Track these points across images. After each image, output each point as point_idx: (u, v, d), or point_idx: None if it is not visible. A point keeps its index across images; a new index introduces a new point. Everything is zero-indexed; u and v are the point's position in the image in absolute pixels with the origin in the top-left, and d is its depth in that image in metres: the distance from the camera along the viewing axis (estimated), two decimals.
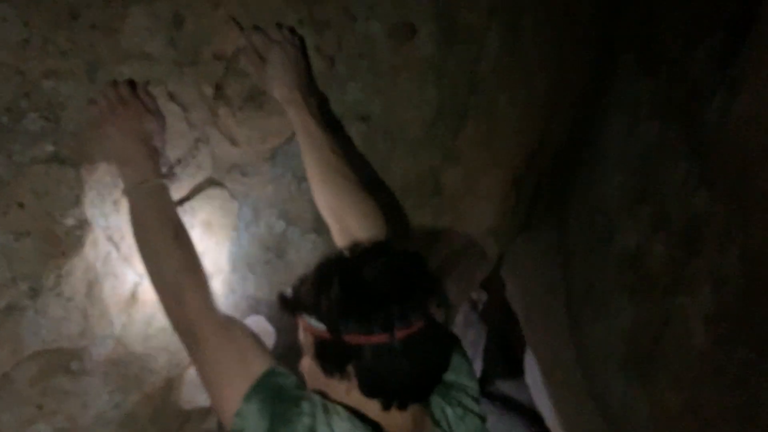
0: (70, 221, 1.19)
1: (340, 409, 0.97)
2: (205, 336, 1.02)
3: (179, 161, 1.27)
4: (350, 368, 0.97)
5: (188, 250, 1.11)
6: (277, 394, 0.96)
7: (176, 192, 1.28)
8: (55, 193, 1.17)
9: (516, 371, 4.04)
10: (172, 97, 1.25)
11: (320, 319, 0.97)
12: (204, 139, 1.29)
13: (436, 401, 1.10)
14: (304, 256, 1.49)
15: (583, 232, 2.26)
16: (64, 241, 1.18)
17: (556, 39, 1.80)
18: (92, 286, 1.20)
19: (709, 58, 1.56)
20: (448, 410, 1.10)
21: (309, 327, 1.00)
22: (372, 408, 0.99)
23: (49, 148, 1.17)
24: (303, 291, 1.02)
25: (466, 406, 1.13)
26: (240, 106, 1.29)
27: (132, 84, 1.21)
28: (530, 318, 2.93)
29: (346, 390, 0.98)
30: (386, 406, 0.99)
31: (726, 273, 1.48)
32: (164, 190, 1.17)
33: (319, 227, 1.46)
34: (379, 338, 0.94)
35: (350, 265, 1.01)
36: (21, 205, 1.15)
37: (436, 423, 1.07)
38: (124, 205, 1.20)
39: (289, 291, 1.05)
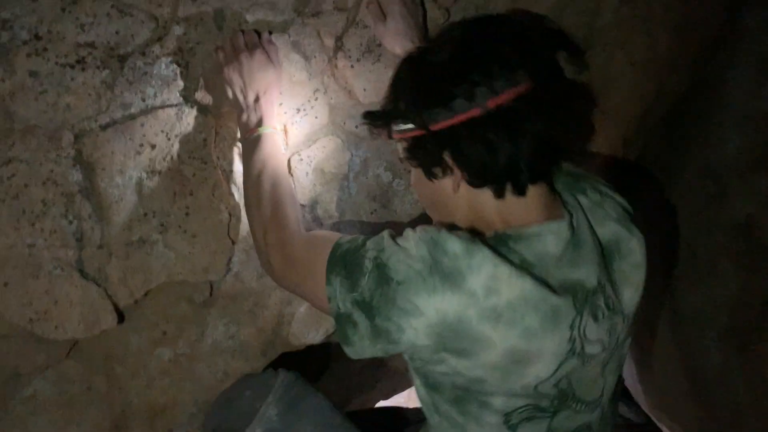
0: (197, 163, 1.26)
1: (419, 229, 0.92)
2: (288, 264, 1.06)
3: (298, 110, 1.31)
4: (448, 160, 0.90)
5: (281, 199, 1.13)
6: (344, 258, 0.95)
7: (293, 140, 1.32)
8: (184, 135, 1.24)
9: None
10: (294, 46, 1.28)
11: (403, 119, 0.93)
12: (322, 89, 1.32)
13: (565, 188, 1.01)
14: (408, 208, 1.51)
15: (691, 195, 2.16)
16: (192, 181, 1.26)
17: None
18: (216, 226, 1.28)
19: None
20: (582, 197, 1.01)
21: (397, 135, 0.96)
22: (487, 200, 0.93)
23: (180, 92, 1.24)
24: (383, 102, 0.98)
25: (604, 191, 1.04)
26: (358, 58, 1.31)
27: (257, 33, 1.25)
28: None
29: (455, 189, 0.93)
30: (499, 193, 0.91)
31: None
32: (272, 140, 1.19)
33: None
34: (464, 115, 0.85)
35: (418, 52, 0.95)
36: (153, 146, 1.22)
37: (569, 208, 0.98)
38: None
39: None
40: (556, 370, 0.92)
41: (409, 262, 0.87)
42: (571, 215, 0.96)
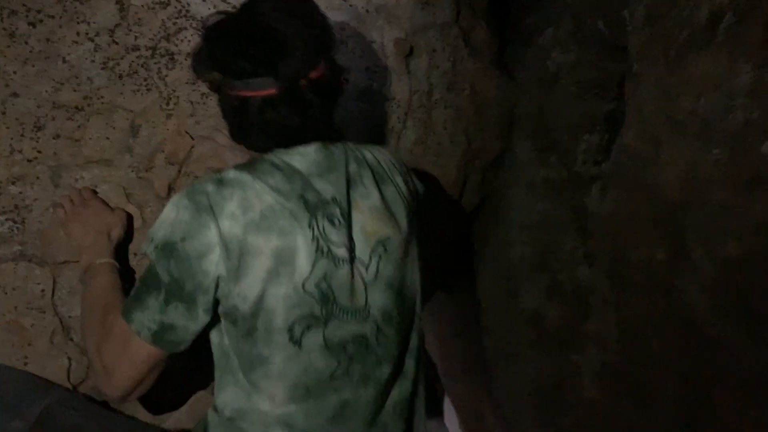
0: (35, 313, 1.32)
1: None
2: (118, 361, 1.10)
3: (135, 254, 1.42)
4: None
5: (109, 315, 1.14)
6: (130, 298, 1.10)
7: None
8: (22, 288, 1.30)
9: (437, 413, 4.25)
10: (128, 197, 1.41)
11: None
12: None
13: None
14: None
15: (492, 292, 2.50)
16: (30, 331, 1.31)
17: (464, 128, 2.06)
18: (57, 372, 1.33)
19: (588, 153, 1.86)
20: (351, 144, 1.24)
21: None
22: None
23: (16, 247, 1.31)
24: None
25: (371, 147, 1.28)
26: None
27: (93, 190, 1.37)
28: (449, 369, 3.15)
29: None
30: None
31: (608, 337, 1.75)
32: (106, 268, 1.26)
33: None
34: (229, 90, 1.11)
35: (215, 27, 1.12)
36: None
37: (334, 145, 1.18)
38: None
39: None
40: (313, 266, 1.08)
41: (177, 219, 1.05)
42: (330, 148, 1.17)
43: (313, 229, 1.09)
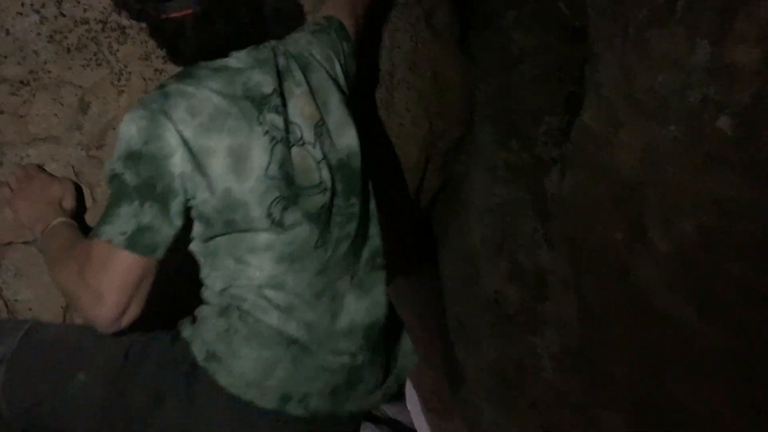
0: None
1: None
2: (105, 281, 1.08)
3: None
4: None
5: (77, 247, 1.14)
6: (103, 213, 1.10)
7: None
8: None
9: (399, 395, 4.26)
10: (78, 176, 1.36)
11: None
12: None
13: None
14: None
15: (454, 275, 2.50)
16: None
17: (426, 110, 2.05)
18: None
19: (549, 135, 1.87)
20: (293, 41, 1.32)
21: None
22: None
23: None
24: None
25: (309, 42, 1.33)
26: None
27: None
28: None
29: None
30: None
31: (566, 319, 1.77)
32: (67, 224, 1.24)
33: None
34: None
35: None
36: None
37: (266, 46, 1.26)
38: (33, 282, 1.29)
39: None
40: (271, 155, 1.15)
41: (136, 126, 1.09)
42: (258, 47, 1.23)
43: (262, 124, 1.16)
